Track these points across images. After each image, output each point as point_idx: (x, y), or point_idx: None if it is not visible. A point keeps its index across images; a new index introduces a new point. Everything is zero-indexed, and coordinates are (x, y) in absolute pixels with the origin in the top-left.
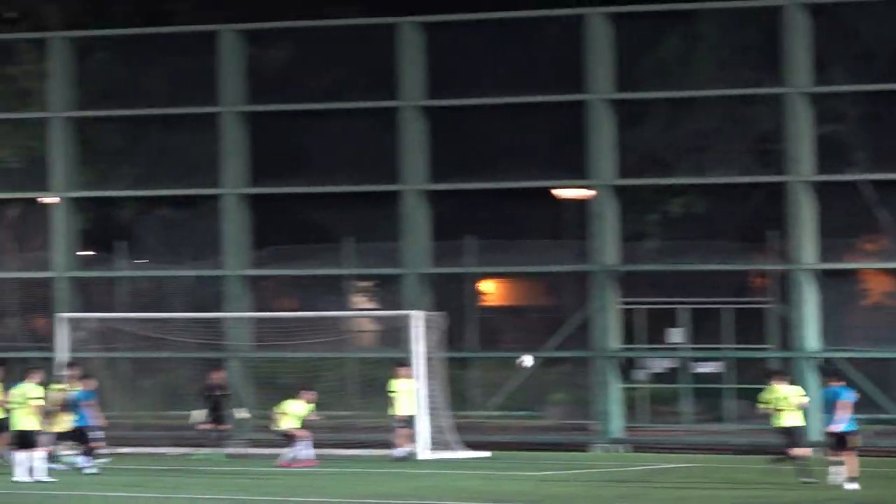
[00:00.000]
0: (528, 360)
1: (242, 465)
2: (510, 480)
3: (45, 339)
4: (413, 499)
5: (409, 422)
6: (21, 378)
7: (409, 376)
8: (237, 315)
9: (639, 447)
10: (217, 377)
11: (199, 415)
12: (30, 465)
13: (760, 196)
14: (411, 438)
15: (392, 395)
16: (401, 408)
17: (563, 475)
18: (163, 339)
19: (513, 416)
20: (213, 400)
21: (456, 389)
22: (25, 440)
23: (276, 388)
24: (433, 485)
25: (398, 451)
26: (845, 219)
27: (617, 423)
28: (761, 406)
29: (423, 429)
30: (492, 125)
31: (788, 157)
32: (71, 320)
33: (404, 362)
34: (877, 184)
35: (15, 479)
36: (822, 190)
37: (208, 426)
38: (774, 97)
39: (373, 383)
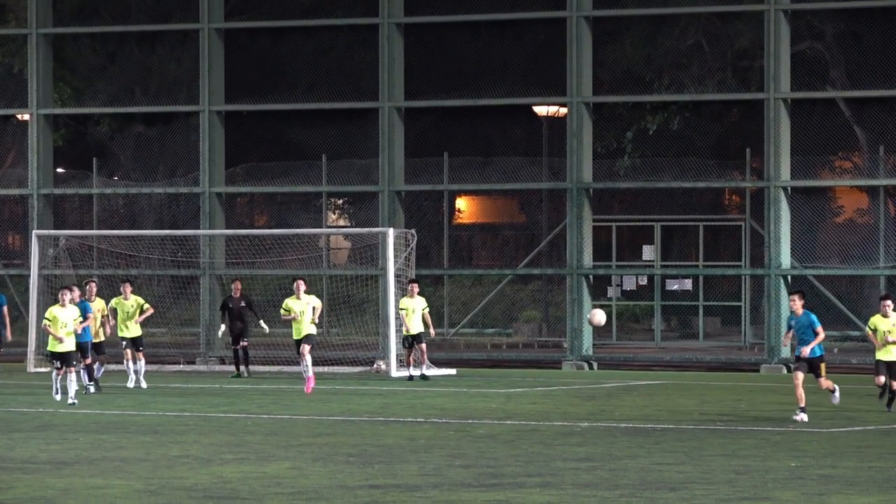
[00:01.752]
0: (599, 317)
1: (213, 381)
2: (479, 398)
3: (18, 256)
4: (382, 416)
5: (417, 339)
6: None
7: (418, 294)
8: (211, 232)
9: (610, 364)
10: (237, 289)
11: (222, 330)
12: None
13: (736, 114)
14: (419, 357)
15: (403, 312)
16: (411, 326)
17: (533, 392)
18: (136, 256)
19: (484, 334)
20: (233, 313)
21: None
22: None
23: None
24: (402, 402)
25: (408, 371)
26: (821, 137)
27: (588, 340)
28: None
29: (393, 346)
30: (469, 43)
31: (766, 74)
32: (45, 237)
33: (415, 279)
34: (853, 102)
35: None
36: (798, 108)
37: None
38: (752, 14)
39: (346, 300)
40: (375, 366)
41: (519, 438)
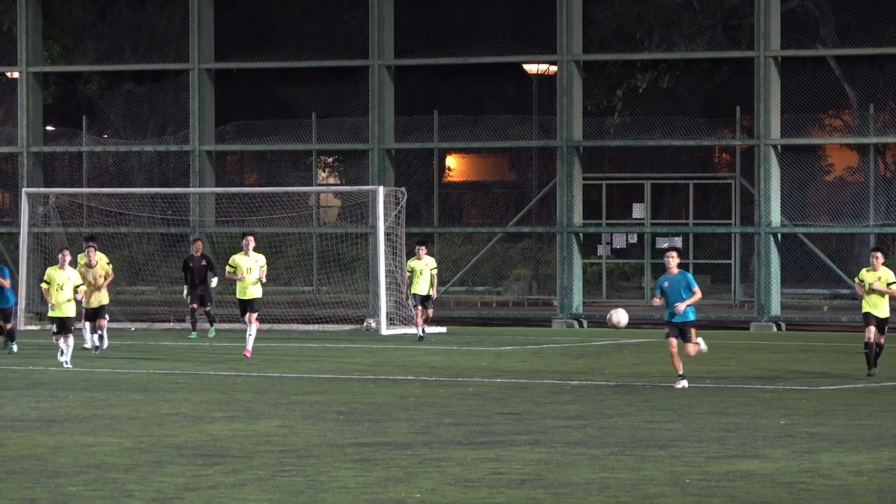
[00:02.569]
0: (619, 317)
1: (203, 339)
2: (469, 355)
3: (8, 214)
4: (372, 373)
5: (424, 301)
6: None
7: (427, 255)
8: (201, 190)
9: (600, 322)
10: (198, 249)
11: (185, 290)
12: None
13: (727, 72)
14: (427, 318)
15: (410, 274)
16: (418, 287)
17: (523, 350)
18: (126, 214)
19: (474, 292)
20: (194, 273)
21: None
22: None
23: None
24: (392, 360)
25: (418, 330)
26: (811, 95)
27: (578, 298)
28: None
29: (383, 304)
30: (460, 1)
31: (756, 32)
32: (34, 195)
33: (423, 241)
34: (843, 60)
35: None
36: (788, 66)
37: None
38: None
39: (336, 258)
40: (365, 324)
41: (509, 396)
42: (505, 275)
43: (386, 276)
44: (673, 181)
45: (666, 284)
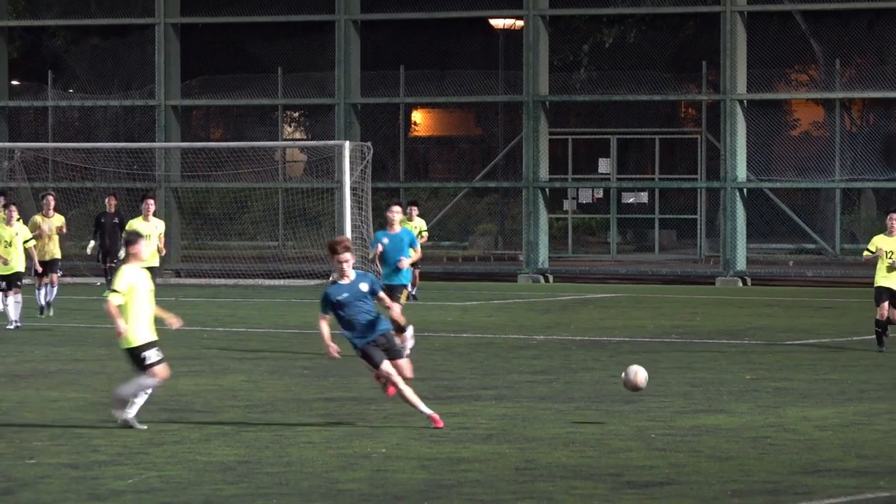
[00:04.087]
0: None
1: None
2: (435, 310)
3: None
4: (337, 328)
5: (414, 263)
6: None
7: (418, 216)
8: (166, 145)
9: (565, 277)
10: (111, 204)
11: (91, 246)
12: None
13: (693, 27)
14: (414, 282)
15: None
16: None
17: (489, 305)
18: (91, 169)
19: (440, 247)
20: (105, 229)
21: (384, 220)
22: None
23: (204, 218)
24: None
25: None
26: (777, 50)
27: (544, 253)
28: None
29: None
30: None
31: None
32: (0, 150)
33: (415, 202)
34: (809, 15)
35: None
36: (754, 21)
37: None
38: None
39: (301, 213)
40: (332, 278)
41: (475, 351)
42: (471, 230)
43: (352, 231)
44: (639, 136)
45: (386, 241)
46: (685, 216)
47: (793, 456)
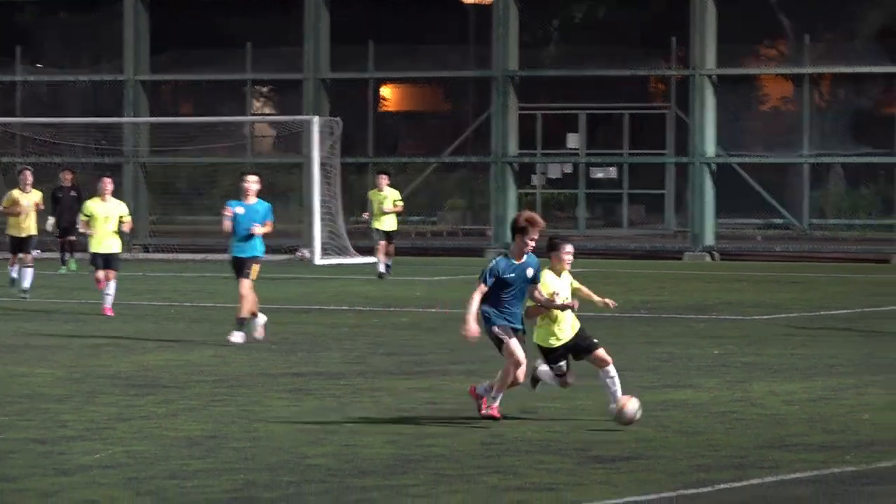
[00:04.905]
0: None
1: (137, 269)
2: (403, 285)
3: None
4: (305, 303)
5: (387, 235)
6: None
7: (388, 186)
8: (135, 120)
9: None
10: (67, 179)
11: (51, 221)
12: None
13: (663, 2)
14: (388, 253)
15: (371, 205)
16: (380, 221)
17: (458, 280)
18: (60, 143)
19: (408, 222)
20: (63, 204)
21: (352, 195)
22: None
23: (172, 194)
24: (326, 289)
25: (381, 266)
26: (746, 25)
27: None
28: None
29: (317, 235)
30: None
31: None
32: None
33: (386, 171)
34: None
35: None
36: None
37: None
38: None
39: (270, 189)
40: (299, 253)
41: (443, 326)
42: (440, 205)
43: (321, 207)
44: (608, 111)
45: (241, 211)
46: (654, 191)
47: (760, 430)
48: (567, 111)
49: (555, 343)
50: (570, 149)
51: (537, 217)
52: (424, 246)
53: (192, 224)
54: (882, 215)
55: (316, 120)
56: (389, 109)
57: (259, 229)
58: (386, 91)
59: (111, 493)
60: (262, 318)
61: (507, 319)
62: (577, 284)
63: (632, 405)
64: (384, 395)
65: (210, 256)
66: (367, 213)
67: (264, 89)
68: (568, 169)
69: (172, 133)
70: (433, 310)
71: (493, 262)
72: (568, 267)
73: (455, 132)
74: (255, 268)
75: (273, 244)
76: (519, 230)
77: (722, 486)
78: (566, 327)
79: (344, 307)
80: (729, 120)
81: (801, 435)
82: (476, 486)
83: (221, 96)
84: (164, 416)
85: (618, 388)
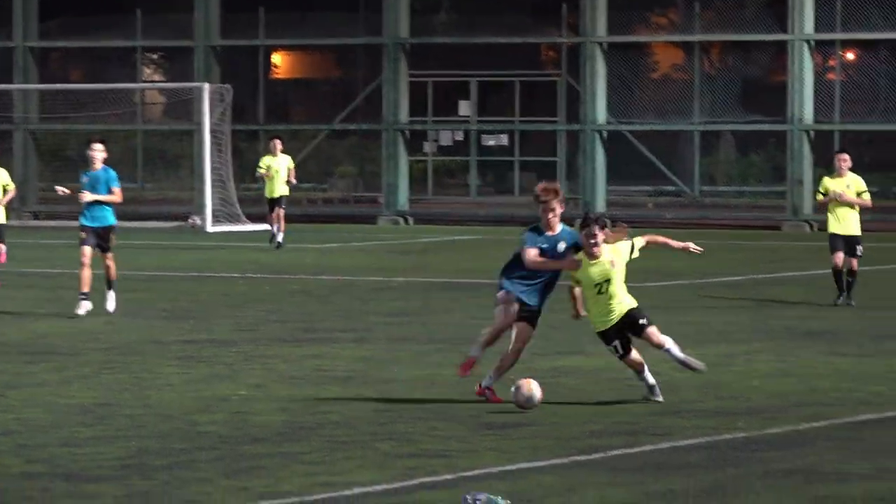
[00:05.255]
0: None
1: (28, 237)
2: (294, 252)
3: None
4: (197, 271)
5: (278, 202)
6: None
7: (282, 152)
8: (24, 87)
9: (425, 219)
10: None
11: None
12: None
13: None
14: (280, 220)
15: (262, 171)
16: (273, 187)
17: (348, 247)
18: None
19: (299, 189)
20: None
21: (243, 162)
22: None
23: (62, 160)
24: (218, 257)
25: (279, 237)
26: None
27: (404, 195)
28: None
29: (208, 202)
30: None
31: None
32: None
33: (278, 135)
34: None
35: None
36: None
37: None
38: None
39: (161, 156)
40: (191, 220)
41: (334, 293)
42: (330, 172)
43: (212, 174)
44: (499, 79)
45: (86, 179)
46: (546, 159)
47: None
48: (458, 78)
49: (600, 326)
50: (462, 116)
51: (546, 185)
52: (316, 213)
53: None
54: (772, 182)
55: (206, 87)
56: (280, 77)
57: (88, 196)
58: (277, 58)
59: (2, 460)
60: (89, 305)
61: (522, 289)
62: (641, 242)
63: (527, 389)
64: (276, 361)
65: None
66: (263, 173)
67: (155, 56)
68: (459, 136)
69: (62, 100)
70: (324, 277)
71: (522, 235)
72: (600, 252)
73: (346, 99)
74: (112, 237)
75: (164, 212)
76: (535, 201)
77: (615, 452)
78: (607, 310)
79: (235, 274)
80: (620, 88)
81: (693, 401)
82: (369, 453)
83: (112, 63)
84: (57, 383)
85: (679, 355)
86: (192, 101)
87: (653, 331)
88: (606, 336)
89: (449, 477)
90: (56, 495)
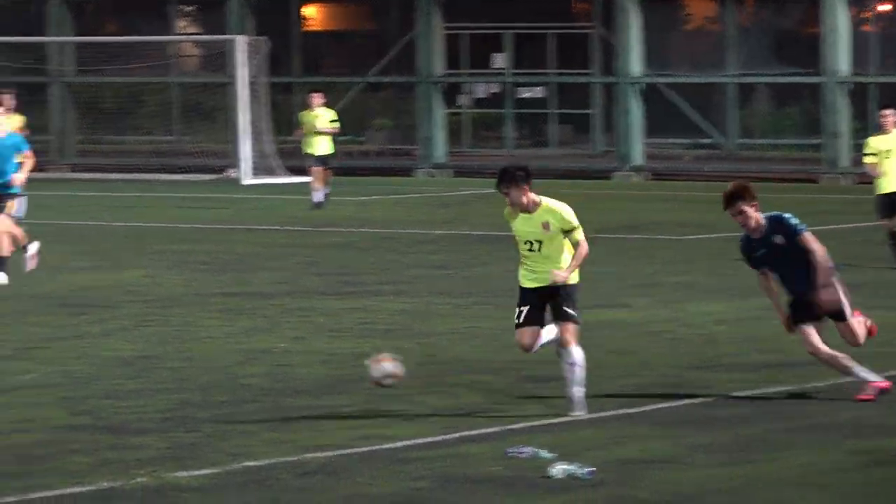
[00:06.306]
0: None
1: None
2: (333, 205)
3: None
4: (234, 224)
5: (324, 160)
6: None
7: (321, 106)
8: (59, 39)
9: (462, 172)
10: None
11: None
12: None
13: None
14: (326, 179)
15: (304, 126)
16: (313, 144)
17: (386, 199)
18: None
19: (336, 142)
20: None
21: (279, 115)
22: None
23: (99, 113)
24: (255, 210)
25: (316, 196)
26: None
27: (440, 148)
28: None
29: (246, 154)
30: None
31: None
32: None
33: (318, 88)
34: None
35: None
36: None
37: None
38: None
39: (196, 108)
40: (227, 173)
41: (374, 246)
42: (366, 124)
43: (249, 127)
44: (534, 31)
45: None
46: (581, 111)
47: (692, 349)
48: (492, 30)
49: (522, 282)
50: (497, 69)
51: (732, 189)
52: (352, 165)
53: (120, 143)
54: (808, 135)
55: (241, 39)
56: (314, 29)
57: (20, 179)
58: (310, 10)
59: (47, 412)
60: (33, 247)
61: (801, 293)
62: (575, 239)
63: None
64: (316, 314)
65: (138, 176)
66: (300, 131)
67: (189, 8)
68: (495, 89)
69: (97, 53)
70: (363, 230)
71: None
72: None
73: (380, 51)
74: (11, 203)
75: (202, 164)
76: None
77: (657, 405)
78: (531, 269)
79: (274, 227)
80: (653, 40)
81: (734, 355)
82: (411, 406)
83: (146, 14)
84: (98, 335)
85: (550, 341)
86: (227, 54)
87: (570, 329)
88: (522, 295)
89: (492, 430)
90: (101, 447)
